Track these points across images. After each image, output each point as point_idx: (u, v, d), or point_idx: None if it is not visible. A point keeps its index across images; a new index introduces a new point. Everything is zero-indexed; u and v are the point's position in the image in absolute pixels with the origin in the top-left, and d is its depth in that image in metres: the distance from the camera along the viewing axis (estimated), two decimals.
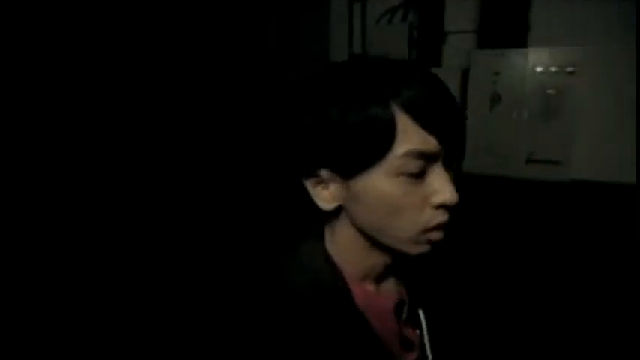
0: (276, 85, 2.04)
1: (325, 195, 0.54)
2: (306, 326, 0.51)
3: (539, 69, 1.87)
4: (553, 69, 1.86)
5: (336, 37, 2.33)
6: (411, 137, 0.47)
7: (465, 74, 1.99)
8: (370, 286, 0.58)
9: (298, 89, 0.56)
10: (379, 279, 0.60)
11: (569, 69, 1.83)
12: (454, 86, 2.00)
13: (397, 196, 0.49)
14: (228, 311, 0.55)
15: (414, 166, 0.48)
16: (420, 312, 0.65)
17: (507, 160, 1.98)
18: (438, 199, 0.50)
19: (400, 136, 0.47)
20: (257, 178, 1.90)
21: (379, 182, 0.49)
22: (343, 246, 0.57)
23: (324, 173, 0.52)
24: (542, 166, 1.92)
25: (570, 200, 1.88)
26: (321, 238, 0.59)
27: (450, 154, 0.51)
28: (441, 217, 0.51)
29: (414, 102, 0.47)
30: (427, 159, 0.49)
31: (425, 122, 0.47)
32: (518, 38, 1.93)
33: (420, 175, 0.49)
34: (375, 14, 2.22)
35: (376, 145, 0.48)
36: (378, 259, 0.57)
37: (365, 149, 0.48)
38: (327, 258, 0.57)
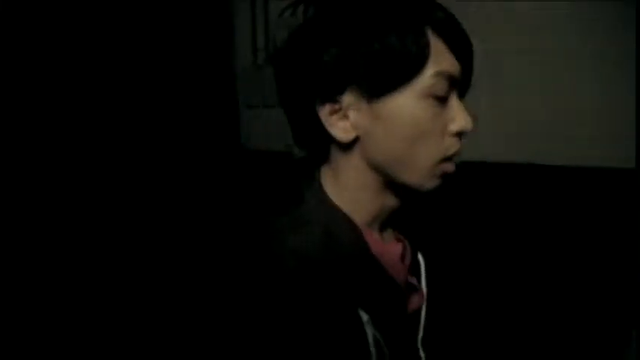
0: (181, 81, 2.05)
1: (343, 124, 0.52)
2: (330, 283, 0.50)
3: None
4: None
5: (239, 32, 2.34)
6: (441, 59, 0.50)
7: None
8: (376, 233, 0.58)
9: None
10: (383, 225, 0.59)
11: None
12: None
13: (425, 118, 0.50)
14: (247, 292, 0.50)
15: (442, 88, 0.50)
16: (420, 257, 0.66)
17: None
18: (458, 125, 0.52)
19: (433, 56, 0.49)
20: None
21: (409, 103, 0.50)
22: (352, 188, 0.55)
23: (346, 98, 0.51)
24: None
25: None
26: (318, 186, 0.56)
27: (463, 84, 0.54)
28: (457, 145, 0.53)
29: (446, 26, 0.50)
30: (451, 83, 0.51)
31: (454, 46, 0.50)
32: None
33: (443, 100, 0.51)
34: (277, 8, 2.23)
35: (412, 62, 0.48)
36: (386, 202, 0.56)
37: (400, 65, 0.48)
38: (335, 207, 0.55)
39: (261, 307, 0.48)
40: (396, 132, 0.50)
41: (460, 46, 0.51)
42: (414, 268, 0.63)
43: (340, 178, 0.56)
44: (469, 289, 1.44)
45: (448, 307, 0.75)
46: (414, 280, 0.62)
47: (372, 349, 0.51)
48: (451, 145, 0.52)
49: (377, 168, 0.53)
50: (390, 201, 0.56)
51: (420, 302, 0.63)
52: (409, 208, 0.60)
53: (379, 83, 0.49)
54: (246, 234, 0.56)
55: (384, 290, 0.55)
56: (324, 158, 0.57)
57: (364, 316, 0.51)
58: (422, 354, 0.63)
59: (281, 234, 0.53)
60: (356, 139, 0.53)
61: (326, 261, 0.51)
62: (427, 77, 0.49)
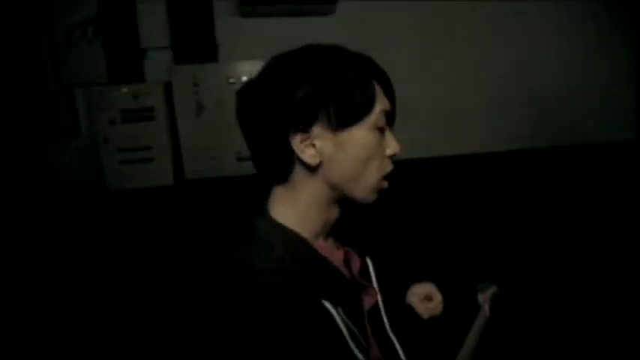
0: None
1: (311, 151, 0.65)
2: (299, 287, 0.61)
3: (232, 80, 2.16)
4: (244, 79, 2.18)
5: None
6: (382, 101, 0.68)
7: (168, 87, 2.12)
8: (322, 242, 0.71)
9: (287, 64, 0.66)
10: (327, 235, 0.73)
11: None
12: (160, 99, 2.11)
13: (373, 145, 0.66)
14: (224, 310, 0.60)
15: (382, 121, 0.67)
16: (368, 260, 0.79)
17: (222, 161, 2.22)
18: (392, 149, 0.70)
19: (378, 99, 0.67)
20: None
21: (363, 133, 0.66)
22: (306, 204, 0.68)
23: (315, 130, 0.64)
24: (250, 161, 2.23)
25: None
26: (267, 212, 0.69)
27: (392, 118, 0.71)
28: (391, 165, 0.70)
29: (383, 78, 0.69)
30: (387, 118, 0.69)
31: (388, 91, 0.69)
32: (210, 54, 2.18)
33: (382, 131, 0.68)
34: (64, 29, 2.11)
35: (366, 104, 0.65)
36: (330, 216, 0.70)
37: (360, 106, 0.65)
38: (286, 228, 0.67)
39: (252, 321, 0.58)
40: (354, 156, 0.66)
41: (391, 91, 0.70)
42: (365, 272, 0.77)
43: (296, 196, 0.68)
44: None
45: (400, 297, 0.90)
46: (364, 281, 0.75)
47: (349, 341, 0.62)
48: (387, 165, 0.69)
49: (334, 186, 0.67)
50: (333, 214, 0.70)
51: (375, 298, 0.76)
52: (352, 222, 0.75)
53: (344, 119, 0.65)
54: (219, 268, 0.65)
55: (344, 285, 0.68)
56: (281, 180, 0.69)
57: (333, 311, 0.62)
58: (394, 339, 0.77)
59: (247, 259, 0.64)
60: (319, 163, 0.66)
61: (290, 271, 0.63)
62: (375, 114, 0.66)
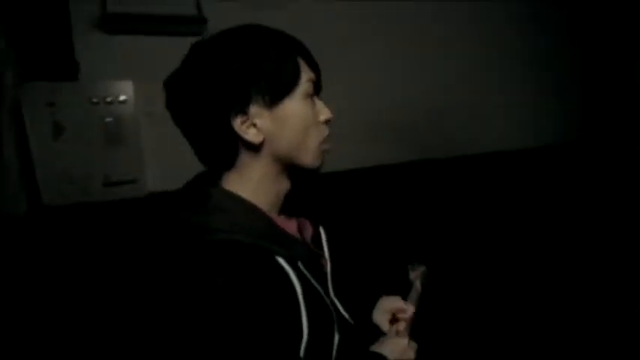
0: None
1: (253, 131, 0.69)
2: (255, 247, 0.66)
3: (94, 99, 2.03)
4: (108, 99, 2.07)
5: None
6: (307, 71, 0.72)
7: (18, 107, 1.91)
8: (275, 214, 0.76)
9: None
10: (279, 207, 0.77)
11: (122, 98, 2.09)
12: (9, 119, 1.89)
13: (308, 113, 0.71)
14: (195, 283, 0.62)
15: (311, 90, 0.72)
16: (321, 229, 0.85)
17: (86, 186, 2.05)
18: (325, 115, 0.75)
19: (303, 71, 0.71)
20: None
21: (296, 104, 0.70)
22: (256, 181, 0.72)
23: (252, 109, 0.68)
24: (119, 186, 2.11)
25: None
26: (221, 188, 0.72)
27: (318, 87, 0.76)
28: (327, 129, 0.76)
29: (304, 50, 0.73)
30: (315, 86, 0.74)
31: (310, 62, 0.74)
32: (69, 71, 2.02)
33: (312, 98, 0.73)
34: None
35: (293, 76, 0.70)
36: (281, 188, 0.75)
37: (288, 79, 0.69)
38: (240, 197, 0.71)
39: (207, 277, 0.62)
40: (293, 127, 0.71)
41: (313, 62, 0.75)
42: (317, 241, 0.84)
43: (246, 176, 0.72)
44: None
45: (347, 265, 0.95)
46: (316, 249, 0.81)
47: (301, 299, 0.67)
48: (324, 130, 0.76)
49: (281, 159, 0.72)
50: (284, 186, 0.76)
51: (325, 265, 0.83)
52: (305, 196, 0.82)
53: (276, 94, 0.69)
54: (177, 230, 0.68)
55: (298, 247, 0.73)
56: (229, 165, 0.73)
57: (287, 267, 0.67)
58: (336, 301, 0.84)
59: (201, 223, 0.67)
60: (262, 140, 0.71)
61: (245, 230, 0.67)
62: (303, 84, 0.72)
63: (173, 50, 2.29)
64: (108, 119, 2.06)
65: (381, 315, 0.96)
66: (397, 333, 0.88)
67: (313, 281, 0.73)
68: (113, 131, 2.08)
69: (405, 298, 0.96)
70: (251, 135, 0.69)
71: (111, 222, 2.05)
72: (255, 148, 0.71)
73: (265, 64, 0.68)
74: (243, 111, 0.68)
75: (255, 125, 0.69)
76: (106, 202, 2.07)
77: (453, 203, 2.68)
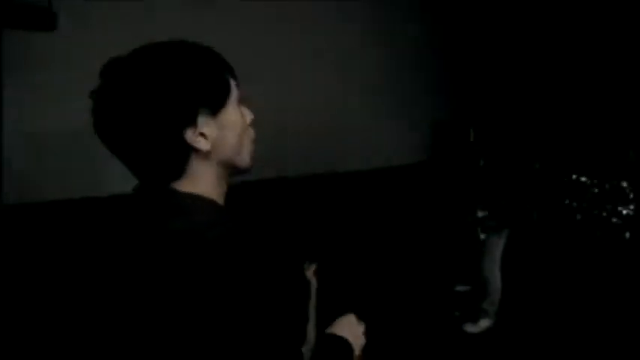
0: None
1: (201, 139, 0.74)
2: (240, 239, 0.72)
3: None
4: None
5: None
6: (232, 83, 0.79)
7: None
8: None
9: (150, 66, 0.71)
10: None
11: None
12: None
13: (241, 118, 0.79)
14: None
15: (237, 96, 0.79)
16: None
17: None
18: (250, 116, 0.83)
19: (230, 83, 0.78)
20: None
21: (233, 111, 0.78)
22: (205, 186, 0.77)
23: (200, 120, 0.73)
24: None
25: None
26: (174, 192, 0.75)
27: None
28: (253, 130, 0.83)
29: (229, 68, 0.80)
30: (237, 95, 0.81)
31: (232, 76, 0.80)
32: None
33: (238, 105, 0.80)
34: None
35: (227, 85, 0.77)
36: (224, 189, 0.81)
37: (224, 91, 0.77)
38: (202, 197, 0.75)
39: (216, 275, 0.65)
40: (234, 131, 0.78)
41: (234, 75, 0.81)
42: None
43: (197, 183, 0.76)
44: None
45: None
46: None
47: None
48: (251, 132, 0.83)
49: (225, 163, 0.79)
50: (225, 190, 0.82)
51: None
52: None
53: (218, 103, 0.76)
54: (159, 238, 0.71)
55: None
56: (177, 176, 0.75)
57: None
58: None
59: (183, 227, 0.71)
60: (209, 148, 0.75)
61: (230, 225, 0.74)
62: (234, 92, 0.79)
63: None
64: None
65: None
66: None
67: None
68: None
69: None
70: (202, 144, 0.74)
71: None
72: (204, 156, 0.76)
73: (208, 79, 0.75)
74: (193, 122, 0.73)
75: (203, 134, 0.74)
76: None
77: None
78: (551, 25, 4.46)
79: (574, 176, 3.87)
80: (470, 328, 2.96)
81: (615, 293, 3.37)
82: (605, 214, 3.74)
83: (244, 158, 0.81)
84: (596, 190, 3.79)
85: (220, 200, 0.79)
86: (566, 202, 3.89)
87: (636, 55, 4.30)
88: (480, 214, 2.93)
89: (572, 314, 3.14)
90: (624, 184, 3.68)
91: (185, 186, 0.75)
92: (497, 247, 2.91)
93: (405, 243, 3.60)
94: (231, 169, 0.80)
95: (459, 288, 3.37)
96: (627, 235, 3.62)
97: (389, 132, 3.77)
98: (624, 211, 3.64)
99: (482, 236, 2.93)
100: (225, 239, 0.69)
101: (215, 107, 0.75)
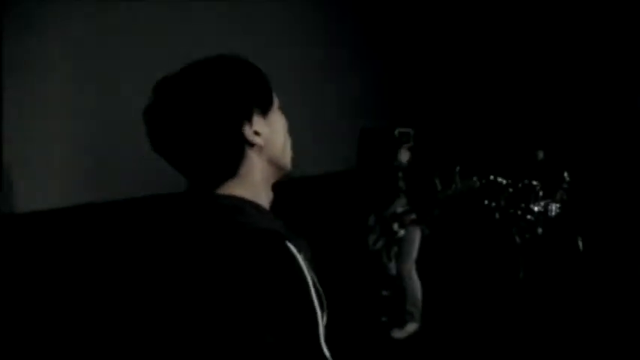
0: None
1: (256, 136, 0.80)
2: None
3: None
4: None
5: None
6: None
7: None
8: None
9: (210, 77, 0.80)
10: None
11: None
12: None
13: (284, 121, 0.87)
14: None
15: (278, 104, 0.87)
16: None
17: None
18: (287, 124, 0.88)
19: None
20: None
21: (277, 112, 0.85)
22: (258, 184, 0.82)
23: (254, 118, 0.80)
24: None
25: None
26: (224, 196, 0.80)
27: None
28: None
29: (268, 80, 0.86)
30: None
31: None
32: None
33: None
34: None
35: (271, 90, 0.85)
36: (268, 194, 0.85)
37: (271, 94, 0.85)
38: (250, 201, 0.80)
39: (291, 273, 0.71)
40: (280, 131, 0.86)
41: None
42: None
43: (249, 182, 0.82)
44: None
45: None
46: None
47: (312, 290, 0.74)
48: (289, 137, 0.89)
49: (272, 161, 0.84)
50: (270, 195, 0.86)
51: None
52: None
53: (267, 104, 0.84)
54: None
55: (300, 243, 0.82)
56: (231, 174, 0.80)
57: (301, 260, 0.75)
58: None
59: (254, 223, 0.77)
60: (262, 145, 0.82)
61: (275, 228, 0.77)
62: (276, 97, 0.87)
63: None
64: None
65: None
66: None
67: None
68: None
69: None
70: (256, 138, 0.81)
71: None
72: (257, 152, 0.82)
73: (259, 82, 0.84)
74: (250, 119, 0.81)
75: (256, 132, 0.81)
76: None
77: None
78: (469, 32, 4.68)
79: (491, 177, 4.05)
80: (397, 333, 2.98)
81: (534, 286, 3.57)
82: (519, 212, 3.93)
83: (288, 159, 0.87)
84: (511, 190, 3.98)
85: (266, 203, 0.84)
86: (486, 202, 4.05)
87: (545, 60, 4.62)
88: (399, 209, 2.99)
89: (494, 312, 3.27)
90: (535, 183, 3.89)
91: (234, 186, 0.80)
92: (414, 245, 2.98)
93: (326, 252, 3.58)
94: (276, 170, 0.86)
95: (385, 293, 3.40)
96: (539, 230, 3.83)
97: (306, 141, 3.76)
98: (536, 208, 3.84)
99: (400, 232, 2.99)
100: (280, 243, 0.73)
101: (265, 107, 0.83)
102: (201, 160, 0.80)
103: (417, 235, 3.02)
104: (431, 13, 4.61)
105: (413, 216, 3.01)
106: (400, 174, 3.12)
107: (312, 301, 0.71)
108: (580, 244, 3.95)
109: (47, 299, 2.08)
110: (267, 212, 0.82)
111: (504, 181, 3.96)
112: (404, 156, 3.09)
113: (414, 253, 3.01)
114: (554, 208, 3.83)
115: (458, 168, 3.44)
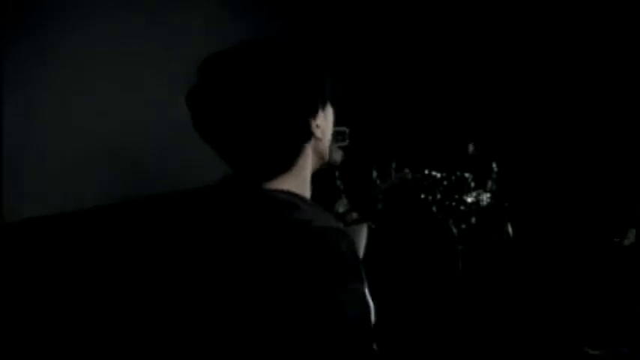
0: None
1: (317, 130, 0.80)
2: None
3: None
4: None
5: None
6: None
7: None
8: None
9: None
10: None
11: None
12: None
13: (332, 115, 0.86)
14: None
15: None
16: None
17: None
18: None
19: None
20: None
21: (330, 108, 0.85)
22: (306, 178, 0.81)
23: (319, 111, 0.80)
24: None
25: None
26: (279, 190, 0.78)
27: None
28: None
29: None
30: None
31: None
32: None
33: None
34: None
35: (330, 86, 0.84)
36: (309, 187, 0.82)
37: (330, 87, 0.84)
38: (301, 196, 0.79)
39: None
40: (331, 125, 0.85)
41: None
42: None
43: (300, 176, 0.80)
44: None
45: None
46: None
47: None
48: None
49: (322, 154, 0.84)
50: (309, 189, 0.84)
51: None
52: None
53: (326, 97, 0.83)
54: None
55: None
56: (287, 167, 0.78)
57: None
58: None
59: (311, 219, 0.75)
60: (318, 140, 0.82)
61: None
62: (329, 94, 0.84)
63: None
64: None
65: None
66: None
67: None
68: None
69: None
70: (318, 132, 0.80)
71: None
72: (314, 146, 0.81)
73: (323, 75, 0.82)
74: (316, 112, 0.79)
75: (318, 126, 0.80)
76: None
77: None
78: (397, 27, 4.80)
79: (426, 171, 4.18)
80: None
81: (472, 276, 3.70)
82: (454, 203, 4.08)
83: (330, 153, 0.88)
84: (446, 183, 4.12)
85: (310, 195, 0.83)
86: (422, 196, 4.17)
87: (476, 57, 4.82)
88: (341, 209, 3.00)
89: (438, 304, 3.34)
90: (467, 175, 4.05)
91: (284, 179, 0.78)
92: (361, 243, 3.00)
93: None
94: (322, 162, 0.85)
95: None
96: (473, 220, 3.99)
97: None
98: (469, 199, 4.01)
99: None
100: (340, 235, 0.71)
101: (325, 101, 0.82)
102: (258, 150, 0.74)
103: (363, 232, 3.02)
104: (358, 8, 4.66)
105: (355, 215, 3.02)
106: (337, 173, 3.13)
107: (368, 298, 0.71)
108: (510, 230, 4.17)
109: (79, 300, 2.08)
110: (317, 206, 0.79)
111: (438, 175, 4.10)
112: (337, 155, 3.10)
113: (362, 250, 3.02)
114: (485, 197, 4.00)
115: (394, 164, 3.50)
